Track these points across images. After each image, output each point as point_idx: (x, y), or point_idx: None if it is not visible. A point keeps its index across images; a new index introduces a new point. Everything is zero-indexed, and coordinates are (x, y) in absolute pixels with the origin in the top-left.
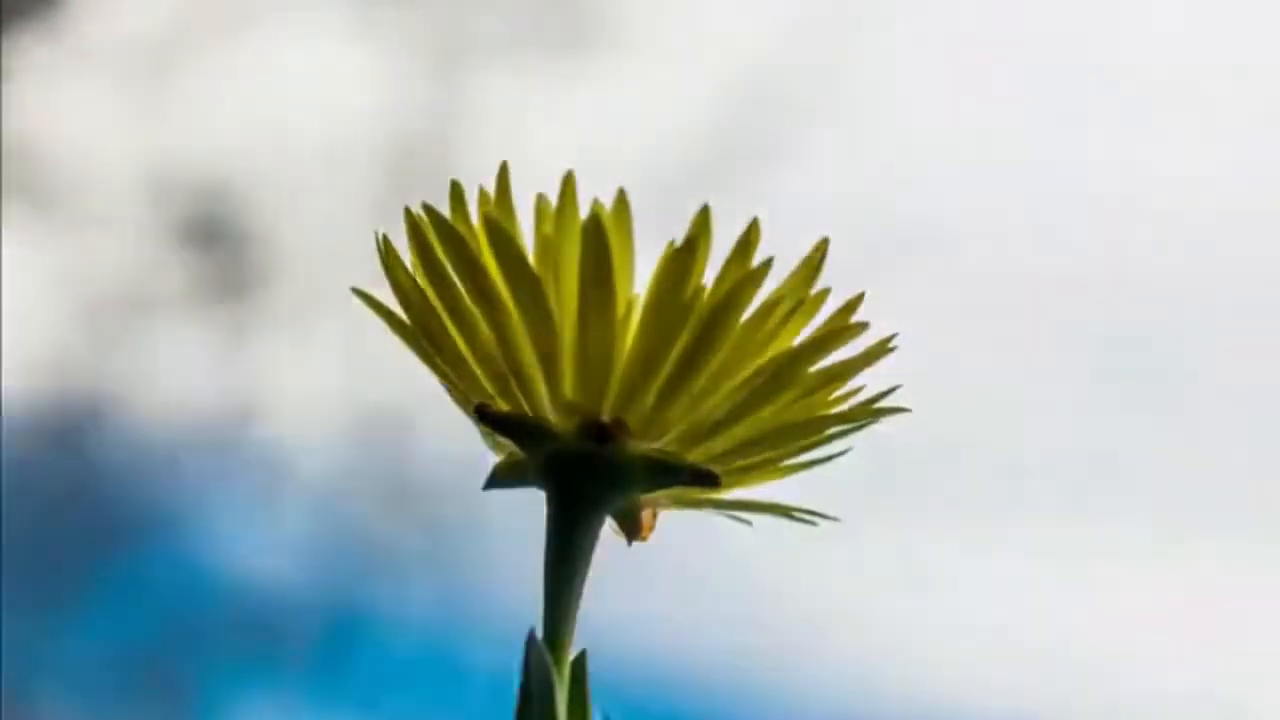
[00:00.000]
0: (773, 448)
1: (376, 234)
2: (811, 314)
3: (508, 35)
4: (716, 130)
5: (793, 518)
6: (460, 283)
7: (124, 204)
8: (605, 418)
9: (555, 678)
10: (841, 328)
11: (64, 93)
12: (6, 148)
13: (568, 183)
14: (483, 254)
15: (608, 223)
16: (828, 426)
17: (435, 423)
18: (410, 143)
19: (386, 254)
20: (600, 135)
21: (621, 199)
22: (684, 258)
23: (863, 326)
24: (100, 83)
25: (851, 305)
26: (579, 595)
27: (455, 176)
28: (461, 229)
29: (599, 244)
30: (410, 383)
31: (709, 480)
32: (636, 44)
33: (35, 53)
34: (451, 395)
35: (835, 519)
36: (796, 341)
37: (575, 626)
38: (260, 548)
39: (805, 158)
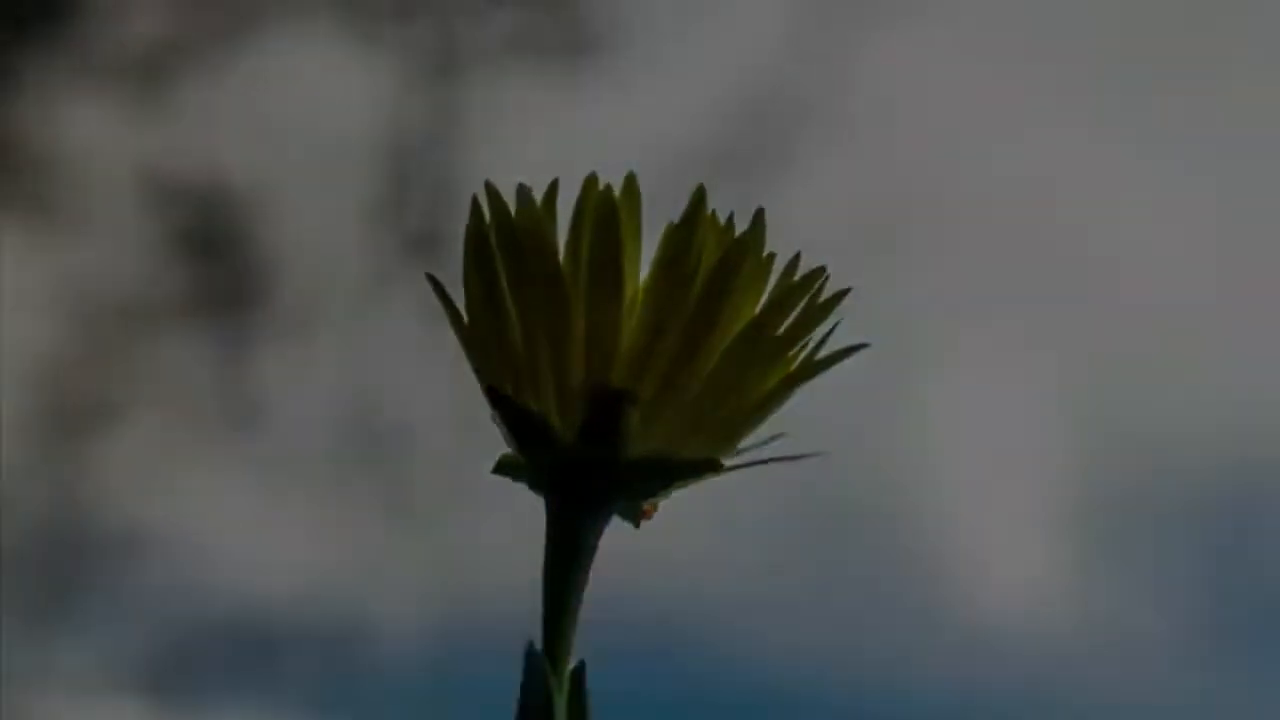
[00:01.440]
0: (759, 412)
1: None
2: (765, 279)
3: (508, 42)
4: (715, 137)
5: (784, 461)
6: (503, 270)
7: (124, 211)
8: (614, 385)
9: (554, 689)
10: (805, 281)
11: (66, 100)
12: (7, 155)
13: (589, 185)
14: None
15: (619, 205)
16: (805, 380)
17: (433, 427)
18: (411, 150)
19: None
20: (600, 142)
21: (631, 185)
22: (684, 231)
23: (821, 271)
24: (102, 90)
25: (794, 264)
26: (578, 604)
27: (455, 184)
28: (515, 220)
29: (609, 226)
30: (408, 387)
31: (711, 469)
32: (636, 50)
33: (37, 61)
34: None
35: (825, 453)
36: (765, 306)
37: (574, 636)
38: (258, 556)
39: (804, 164)
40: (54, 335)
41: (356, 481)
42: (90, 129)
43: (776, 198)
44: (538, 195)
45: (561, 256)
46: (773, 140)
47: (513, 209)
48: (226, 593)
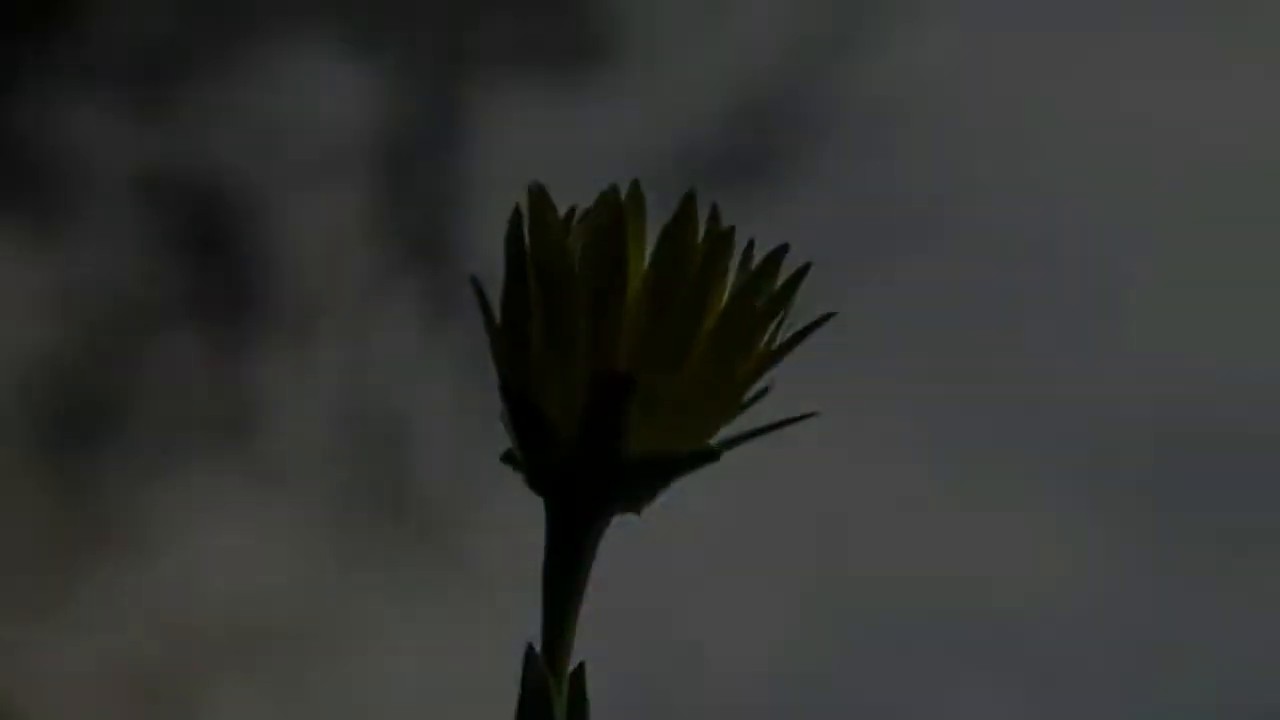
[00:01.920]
0: (743, 392)
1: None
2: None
3: (508, 46)
4: (715, 141)
5: (779, 428)
6: (531, 272)
7: (122, 213)
8: (620, 370)
9: (553, 692)
10: (770, 260)
11: (66, 101)
12: (6, 155)
13: (602, 196)
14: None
15: (625, 209)
16: (784, 354)
17: (432, 430)
18: (411, 153)
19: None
20: (600, 146)
21: (636, 191)
22: (675, 231)
23: (784, 249)
24: (102, 91)
25: (751, 246)
26: (578, 605)
27: (455, 186)
28: (536, 222)
29: (615, 230)
30: (405, 390)
31: (710, 459)
32: (637, 54)
33: (35, 60)
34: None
35: (815, 414)
36: (740, 288)
37: (574, 637)
38: (254, 557)
39: (804, 167)
40: (52, 336)
41: (354, 483)
42: (90, 129)
43: (777, 199)
44: (557, 199)
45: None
46: (773, 143)
47: (535, 211)
48: (222, 592)
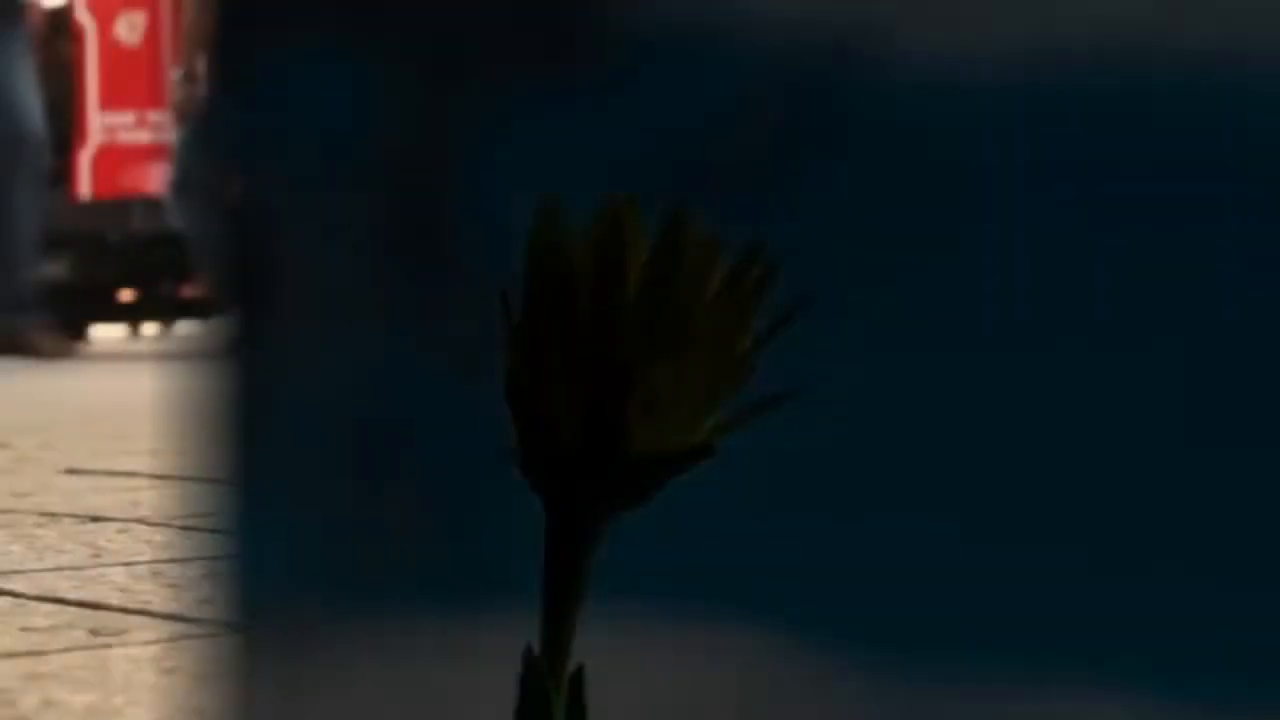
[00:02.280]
0: (734, 382)
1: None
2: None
3: (508, 46)
4: (714, 141)
5: (767, 409)
6: (544, 278)
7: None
8: (619, 366)
9: (552, 695)
10: (750, 254)
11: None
12: None
13: (612, 202)
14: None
15: (624, 218)
16: (768, 342)
17: (432, 429)
18: (411, 154)
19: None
20: (601, 145)
21: (634, 200)
22: (667, 239)
23: (763, 244)
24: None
25: (718, 244)
26: (578, 607)
27: (456, 189)
28: (550, 230)
29: (614, 238)
30: (404, 390)
31: (707, 454)
32: (638, 54)
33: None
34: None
35: (807, 387)
36: (724, 281)
37: (573, 640)
38: (255, 557)
39: (805, 167)
40: None
41: (353, 482)
42: None
43: (778, 198)
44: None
45: (579, 267)
46: (774, 144)
47: (543, 219)
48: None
